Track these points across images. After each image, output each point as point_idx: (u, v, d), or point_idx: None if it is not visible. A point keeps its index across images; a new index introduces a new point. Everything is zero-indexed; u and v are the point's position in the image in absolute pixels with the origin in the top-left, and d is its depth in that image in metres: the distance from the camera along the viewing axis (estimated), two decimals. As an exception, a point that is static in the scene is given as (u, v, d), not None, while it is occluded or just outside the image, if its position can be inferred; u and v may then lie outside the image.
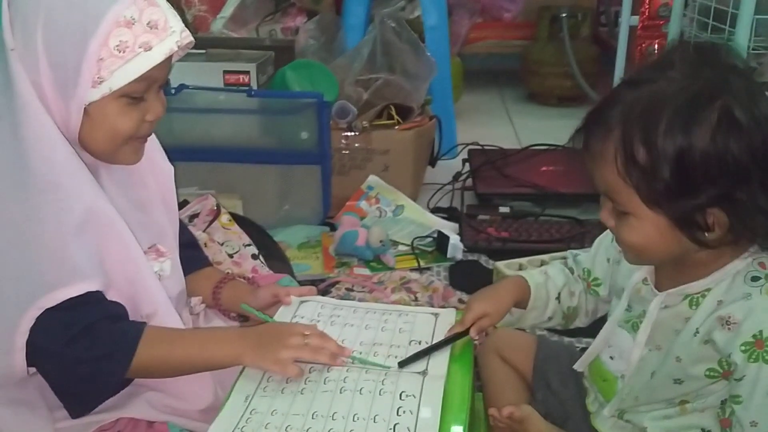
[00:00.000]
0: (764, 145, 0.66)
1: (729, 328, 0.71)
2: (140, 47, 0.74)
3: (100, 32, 0.72)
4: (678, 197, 0.67)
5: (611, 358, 0.85)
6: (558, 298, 0.93)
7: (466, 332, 0.87)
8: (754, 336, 0.70)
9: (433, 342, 0.85)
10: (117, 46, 0.73)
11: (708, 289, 0.74)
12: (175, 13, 0.78)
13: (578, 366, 0.90)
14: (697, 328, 0.74)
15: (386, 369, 0.81)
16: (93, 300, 0.76)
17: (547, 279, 0.94)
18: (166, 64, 0.78)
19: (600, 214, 0.76)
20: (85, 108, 0.75)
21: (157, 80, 0.79)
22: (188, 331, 0.84)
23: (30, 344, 0.75)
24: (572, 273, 0.95)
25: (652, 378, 0.79)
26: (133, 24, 0.74)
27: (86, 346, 0.76)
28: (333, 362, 0.79)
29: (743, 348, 0.70)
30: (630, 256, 0.78)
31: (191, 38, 0.79)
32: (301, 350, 0.78)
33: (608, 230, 0.90)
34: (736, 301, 0.71)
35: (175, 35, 0.76)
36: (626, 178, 0.68)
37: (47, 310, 0.74)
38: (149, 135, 0.84)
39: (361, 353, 0.83)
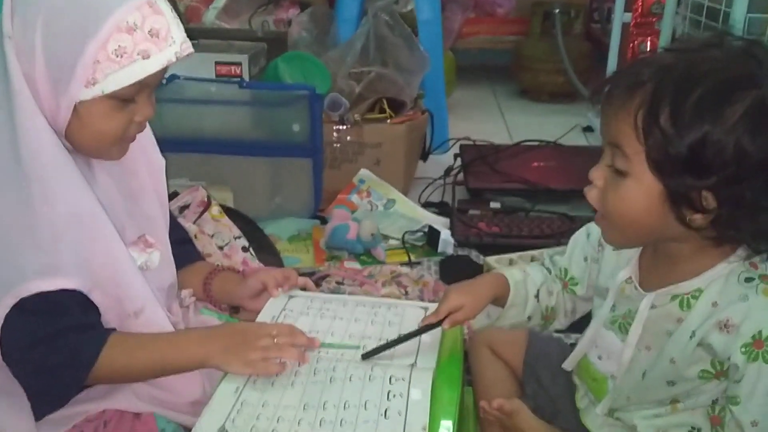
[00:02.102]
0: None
1: (728, 331, 0.70)
2: (138, 54, 0.74)
3: (100, 35, 0.72)
4: (683, 170, 0.66)
5: (599, 358, 0.85)
6: (537, 296, 0.92)
7: (438, 323, 0.85)
8: (753, 337, 0.69)
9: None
10: (115, 50, 0.73)
11: (699, 290, 0.73)
12: (179, 22, 0.77)
13: (567, 365, 0.90)
14: (693, 331, 0.73)
15: (356, 348, 0.81)
16: (65, 302, 0.75)
17: (526, 276, 0.93)
18: (162, 71, 0.77)
19: (591, 172, 0.73)
20: (75, 107, 0.75)
21: (150, 84, 0.78)
22: (152, 337, 0.82)
23: (2, 333, 0.75)
24: (550, 273, 0.94)
25: (643, 378, 0.79)
26: (135, 30, 0.73)
27: (44, 354, 0.75)
28: (302, 360, 0.78)
29: (743, 350, 0.70)
30: (607, 228, 0.75)
31: (191, 49, 0.78)
32: (270, 350, 0.77)
33: (583, 228, 0.90)
34: (733, 303, 0.71)
35: (174, 46, 0.76)
36: (641, 134, 0.67)
37: (17, 306, 0.73)
38: (138, 133, 0.83)
39: (345, 344, 0.83)
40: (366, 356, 0.81)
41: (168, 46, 0.75)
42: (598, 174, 0.73)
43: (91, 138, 0.78)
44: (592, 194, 0.73)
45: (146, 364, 0.79)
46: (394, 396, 0.73)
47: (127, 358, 0.78)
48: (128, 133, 0.81)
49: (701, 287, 0.73)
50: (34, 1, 0.73)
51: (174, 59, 0.76)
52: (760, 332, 0.69)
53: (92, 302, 0.79)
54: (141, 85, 0.77)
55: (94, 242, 0.78)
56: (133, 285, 0.82)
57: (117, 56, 0.73)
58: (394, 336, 0.84)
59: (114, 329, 0.80)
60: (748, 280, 0.71)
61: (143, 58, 0.74)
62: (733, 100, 0.65)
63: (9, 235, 0.75)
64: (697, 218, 0.68)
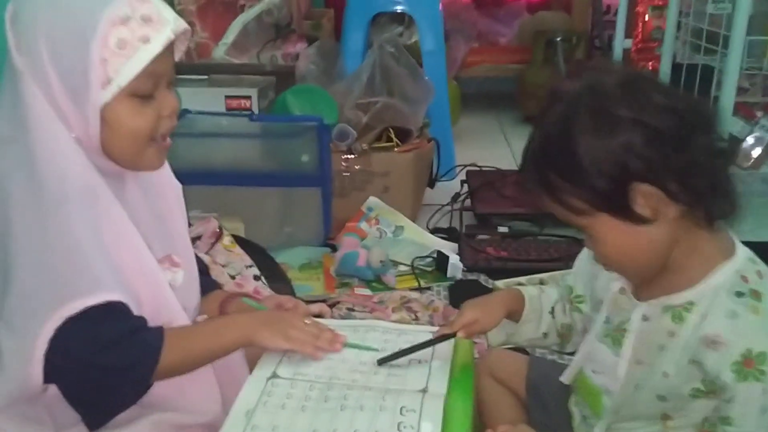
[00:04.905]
0: (653, 112, 0.67)
1: (716, 349, 0.70)
2: (139, 41, 0.76)
3: (98, 34, 0.74)
4: (604, 188, 0.69)
5: (594, 372, 0.85)
6: (552, 312, 0.93)
7: (453, 335, 0.86)
8: (742, 355, 0.69)
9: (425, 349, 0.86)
10: (117, 44, 0.75)
11: (691, 303, 0.73)
12: (166, 5, 0.81)
13: (564, 379, 0.89)
14: (685, 346, 0.73)
15: (375, 351, 0.86)
16: (115, 311, 0.77)
17: (541, 293, 0.94)
18: (168, 57, 0.80)
19: (585, 248, 0.82)
20: (101, 114, 0.77)
21: (162, 75, 0.80)
22: (198, 326, 0.89)
23: (53, 354, 0.75)
24: (562, 291, 0.95)
25: (635, 391, 0.78)
26: (129, 20, 0.76)
27: (115, 356, 0.78)
28: (333, 348, 0.85)
29: (733, 368, 0.69)
30: (615, 270, 0.79)
31: (185, 25, 0.81)
32: (305, 332, 0.85)
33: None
34: (722, 319, 0.70)
35: (169, 24, 0.78)
36: (561, 204, 0.73)
37: (71, 319, 0.75)
38: (171, 132, 0.85)
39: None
40: (381, 362, 0.83)
41: (163, 26, 0.78)
42: (586, 243, 0.79)
43: (126, 141, 0.80)
44: (596, 260, 0.78)
45: (201, 351, 0.84)
46: (405, 428, 0.73)
47: (183, 349, 0.82)
48: (160, 131, 0.82)
49: (693, 300, 0.73)
50: (32, 25, 0.76)
51: (172, 36, 0.78)
52: (749, 350, 0.69)
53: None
54: (154, 77, 0.79)
55: (129, 258, 0.80)
56: (166, 297, 0.85)
57: (120, 49, 0.75)
58: (404, 361, 0.85)
59: (162, 326, 0.82)
60: (739, 294, 0.71)
61: (144, 43, 0.77)
62: (580, 129, 0.69)
63: (49, 257, 0.76)
64: (662, 208, 0.69)
